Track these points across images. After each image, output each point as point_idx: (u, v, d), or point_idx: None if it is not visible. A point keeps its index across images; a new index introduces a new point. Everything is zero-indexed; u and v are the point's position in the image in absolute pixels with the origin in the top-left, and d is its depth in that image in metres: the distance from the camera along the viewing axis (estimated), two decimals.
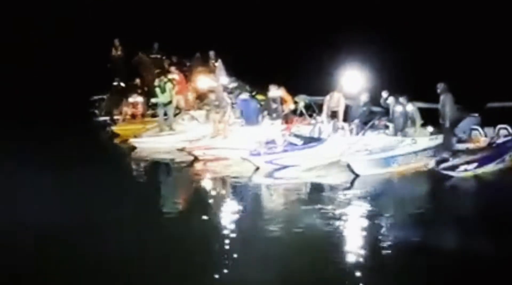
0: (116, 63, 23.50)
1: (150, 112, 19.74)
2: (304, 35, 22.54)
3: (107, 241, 9.96)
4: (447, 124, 14.36)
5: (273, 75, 17.47)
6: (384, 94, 15.65)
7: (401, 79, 16.90)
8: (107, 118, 20.59)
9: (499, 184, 13.43)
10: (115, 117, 20.25)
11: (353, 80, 15.92)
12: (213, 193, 13.77)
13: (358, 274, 8.95)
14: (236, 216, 11.69)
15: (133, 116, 19.57)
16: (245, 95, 16.99)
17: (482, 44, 18.91)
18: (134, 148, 17.14)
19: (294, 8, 24.78)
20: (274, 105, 15.12)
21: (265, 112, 15.82)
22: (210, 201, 12.99)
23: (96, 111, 22.06)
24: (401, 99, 14.95)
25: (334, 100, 15.89)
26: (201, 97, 19.78)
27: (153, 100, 17.86)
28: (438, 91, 14.48)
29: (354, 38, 19.40)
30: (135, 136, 17.33)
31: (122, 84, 22.03)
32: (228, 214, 11.82)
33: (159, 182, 14.86)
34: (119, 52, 23.73)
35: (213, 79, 20.61)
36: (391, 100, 15.20)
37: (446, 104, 14.29)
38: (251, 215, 11.76)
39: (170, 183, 14.77)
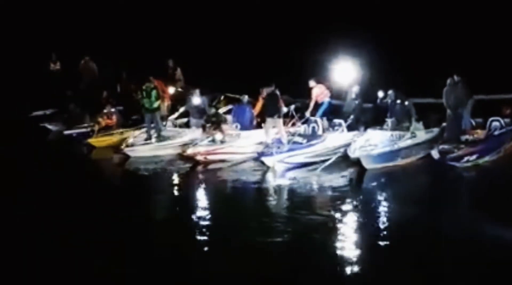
0: (55, 77, 23.35)
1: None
2: (285, 33, 22.63)
3: None
4: (453, 115, 15.04)
5: (258, 77, 17.61)
6: (380, 93, 16.12)
7: (387, 74, 17.44)
8: (74, 131, 19.72)
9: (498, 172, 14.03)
10: (84, 130, 19.48)
11: (342, 73, 16.41)
12: (236, 196, 13.65)
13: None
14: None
15: (107, 127, 18.92)
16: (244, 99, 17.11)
17: (469, 38, 19.79)
18: (128, 157, 16.54)
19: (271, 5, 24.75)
20: (281, 105, 15.38)
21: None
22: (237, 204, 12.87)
23: (52, 126, 21.12)
24: (399, 95, 15.50)
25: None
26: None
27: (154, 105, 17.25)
28: (448, 82, 15.18)
29: (337, 34, 19.73)
30: (127, 146, 16.75)
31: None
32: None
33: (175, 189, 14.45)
34: (57, 66, 23.27)
35: (176, 86, 20.66)
36: (391, 94, 15.66)
37: (452, 95, 15.01)
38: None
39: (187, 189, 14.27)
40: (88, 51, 23.50)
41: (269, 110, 15.55)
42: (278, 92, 15.69)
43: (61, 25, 25.88)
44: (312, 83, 16.89)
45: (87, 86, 22.91)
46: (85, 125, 19.77)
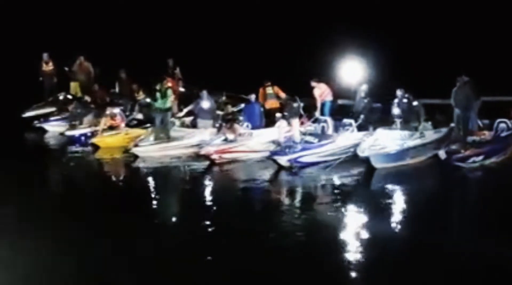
0: (48, 77, 23.10)
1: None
2: (289, 33, 22.74)
3: None
4: (462, 116, 15.27)
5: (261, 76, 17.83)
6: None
7: (393, 74, 17.63)
8: (76, 131, 19.60)
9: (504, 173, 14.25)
10: (86, 130, 19.38)
11: (350, 72, 16.62)
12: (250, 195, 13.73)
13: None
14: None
15: (111, 127, 18.84)
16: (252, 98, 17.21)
17: (477, 39, 20.02)
18: (136, 157, 16.51)
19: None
20: (295, 105, 15.51)
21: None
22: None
23: (50, 127, 20.95)
24: (408, 95, 15.67)
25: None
26: None
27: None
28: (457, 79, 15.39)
29: (342, 34, 19.90)
30: (136, 146, 16.70)
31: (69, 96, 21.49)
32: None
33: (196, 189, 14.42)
34: (50, 67, 23.11)
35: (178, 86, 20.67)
36: (399, 94, 15.81)
37: (461, 95, 15.24)
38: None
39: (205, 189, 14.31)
40: (84, 51, 23.29)
41: (286, 115, 15.90)
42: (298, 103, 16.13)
43: (59, 25, 25.79)
44: (313, 83, 17.13)
45: (83, 86, 22.74)
46: (87, 125, 19.62)
